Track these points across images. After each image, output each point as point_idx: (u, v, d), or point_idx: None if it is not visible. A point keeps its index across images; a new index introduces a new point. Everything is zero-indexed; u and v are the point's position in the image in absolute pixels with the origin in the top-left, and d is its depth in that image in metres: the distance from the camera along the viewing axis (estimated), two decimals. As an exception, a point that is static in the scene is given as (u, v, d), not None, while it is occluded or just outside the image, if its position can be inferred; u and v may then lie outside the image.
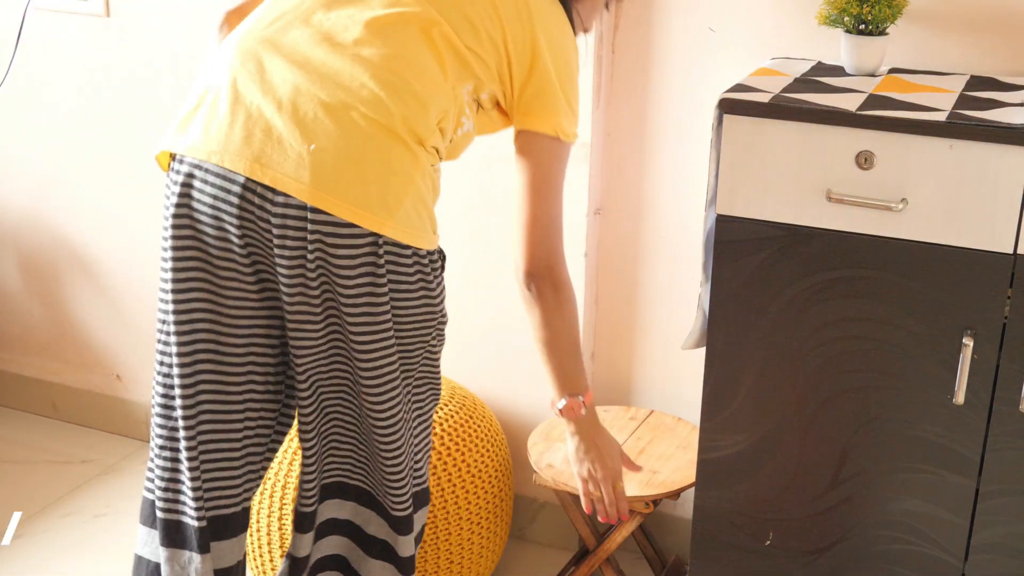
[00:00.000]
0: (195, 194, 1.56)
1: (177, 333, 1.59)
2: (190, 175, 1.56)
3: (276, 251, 1.53)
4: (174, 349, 1.60)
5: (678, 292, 2.29)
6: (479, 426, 2.23)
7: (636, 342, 2.37)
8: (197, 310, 1.59)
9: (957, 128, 1.64)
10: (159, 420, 1.67)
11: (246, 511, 1.71)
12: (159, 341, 1.64)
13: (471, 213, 2.34)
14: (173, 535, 1.68)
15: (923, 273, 1.71)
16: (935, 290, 1.71)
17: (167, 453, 1.66)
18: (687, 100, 2.17)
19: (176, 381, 1.61)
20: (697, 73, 2.15)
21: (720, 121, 1.77)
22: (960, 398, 1.73)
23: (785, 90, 1.80)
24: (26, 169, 2.83)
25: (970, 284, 1.69)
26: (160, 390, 1.65)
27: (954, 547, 1.82)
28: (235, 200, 1.52)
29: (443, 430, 2.16)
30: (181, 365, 1.60)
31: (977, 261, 1.68)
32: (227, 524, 1.68)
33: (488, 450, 2.22)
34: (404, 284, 1.57)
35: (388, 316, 1.57)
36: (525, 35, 1.64)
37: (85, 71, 2.68)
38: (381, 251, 1.53)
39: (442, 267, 1.66)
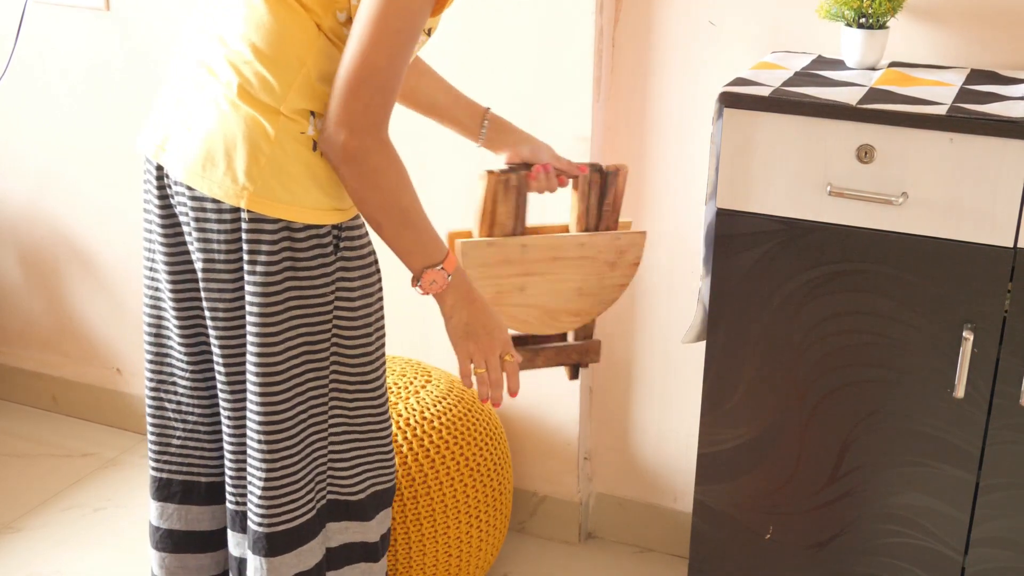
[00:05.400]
0: (146, 186, 1.67)
1: (146, 324, 1.72)
2: (144, 167, 1.68)
3: (184, 229, 1.61)
4: (144, 319, 1.74)
5: (678, 286, 2.29)
6: (477, 419, 2.23)
7: (636, 336, 2.37)
8: (154, 298, 1.70)
9: (957, 122, 1.64)
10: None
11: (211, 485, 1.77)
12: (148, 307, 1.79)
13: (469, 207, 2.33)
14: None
15: (923, 267, 1.71)
16: (935, 284, 1.71)
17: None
18: (687, 94, 2.17)
19: (146, 358, 1.74)
20: (697, 67, 2.15)
21: (720, 115, 1.77)
22: (960, 392, 1.73)
23: (785, 84, 1.80)
24: (26, 163, 2.83)
25: (970, 278, 1.69)
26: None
27: (954, 541, 1.82)
28: (155, 184, 1.62)
29: (441, 423, 2.16)
30: (147, 333, 1.72)
31: (977, 255, 1.68)
32: (200, 491, 1.77)
33: (487, 443, 2.22)
34: (274, 262, 1.54)
35: (267, 298, 1.55)
36: None
37: (85, 65, 2.67)
38: (249, 227, 1.53)
39: (334, 246, 1.56)
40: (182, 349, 1.68)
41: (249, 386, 1.60)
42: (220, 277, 1.57)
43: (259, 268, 1.55)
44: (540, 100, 2.22)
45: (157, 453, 1.76)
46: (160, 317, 1.70)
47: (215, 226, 1.55)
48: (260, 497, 1.63)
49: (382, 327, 1.68)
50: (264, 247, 1.54)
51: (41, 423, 2.97)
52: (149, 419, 1.75)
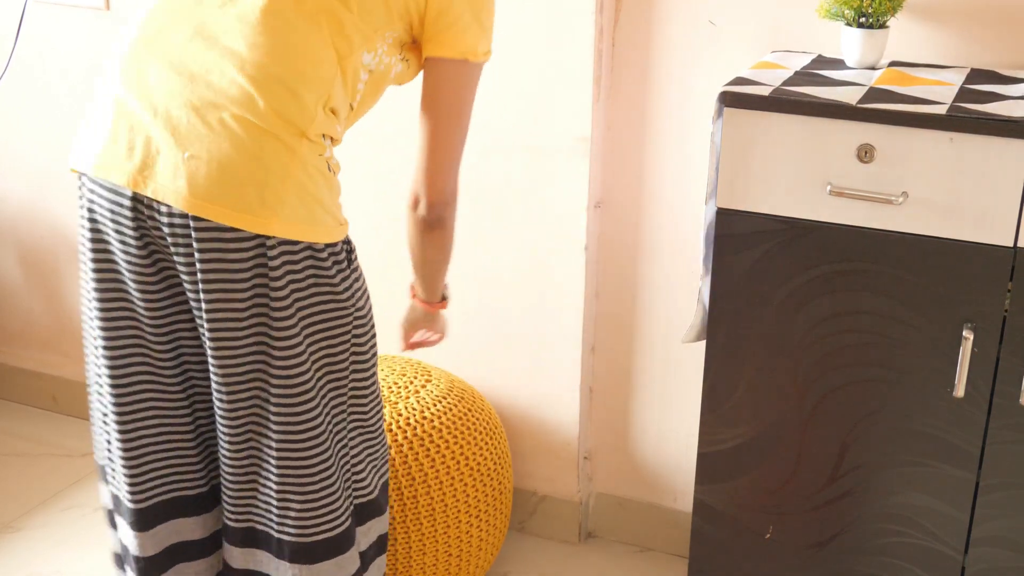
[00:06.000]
0: (98, 210, 1.56)
1: (105, 339, 1.60)
2: (92, 191, 1.56)
3: (176, 260, 1.53)
4: (102, 354, 1.61)
5: (678, 285, 2.29)
6: (477, 419, 2.23)
7: (636, 336, 2.37)
8: (122, 319, 1.60)
9: (957, 121, 1.64)
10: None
11: (216, 487, 1.73)
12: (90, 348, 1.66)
13: (469, 206, 2.34)
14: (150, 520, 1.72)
15: (923, 266, 1.71)
16: (935, 283, 1.71)
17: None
18: (687, 93, 2.17)
19: (107, 384, 1.62)
20: (697, 66, 2.15)
21: (720, 114, 1.77)
22: (960, 391, 1.73)
23: (785, 83, 1.80)
24: (26, 162, 2.83)
25: (970, 277, 1.69)
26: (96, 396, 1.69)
27: (954, 540, 1.82)
28: (128, 214, 1.52)
29: (441, 423, 2.16)
30: (112, 369, 1.61)
31: (977, 254, 1.68)
32: (188, 504, 1.71)
33: (487, 443, 2.22)
34: (298, 284, 1.55)
35: (292, 320, 1.55)
36: None
37: (85, 65, 2.67)
38: (273, 252, 1.50)
39: (347, 259, 1.61)
40: (168, 373, 1.62)
41: (280, 408, 1.58)
42: (235, 307, 1.52)
43: (287, 292, 1.53)
44: (540, 100, 2.22)
45: (137, 484, 1.66)
46: (129, 347, 1.60)
47: (234, 255, 1.49)
48: (300, 510, 1.62)
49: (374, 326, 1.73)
50: (293, 270, 1.53)
51: (41, 423, 2.97)
52: (124, 454, 1.65)
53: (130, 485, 1.67)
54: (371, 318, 1.67)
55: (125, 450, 1.65)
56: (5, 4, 2.70)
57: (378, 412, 1.72)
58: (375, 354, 1.68)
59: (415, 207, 1.72)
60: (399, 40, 1.62)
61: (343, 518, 1.67)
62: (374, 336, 1.67)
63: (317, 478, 1.63)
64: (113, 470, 1.69)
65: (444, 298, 1.92)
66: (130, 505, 1.68)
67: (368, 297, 1.66)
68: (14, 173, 2.85)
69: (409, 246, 1.80)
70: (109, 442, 1.68)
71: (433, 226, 1.72)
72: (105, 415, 1.67)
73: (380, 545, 1.80)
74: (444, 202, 1.70)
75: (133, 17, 1.61)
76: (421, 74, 1.68)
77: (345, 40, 1.54)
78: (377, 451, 1.74)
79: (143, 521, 1.68)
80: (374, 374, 1.69)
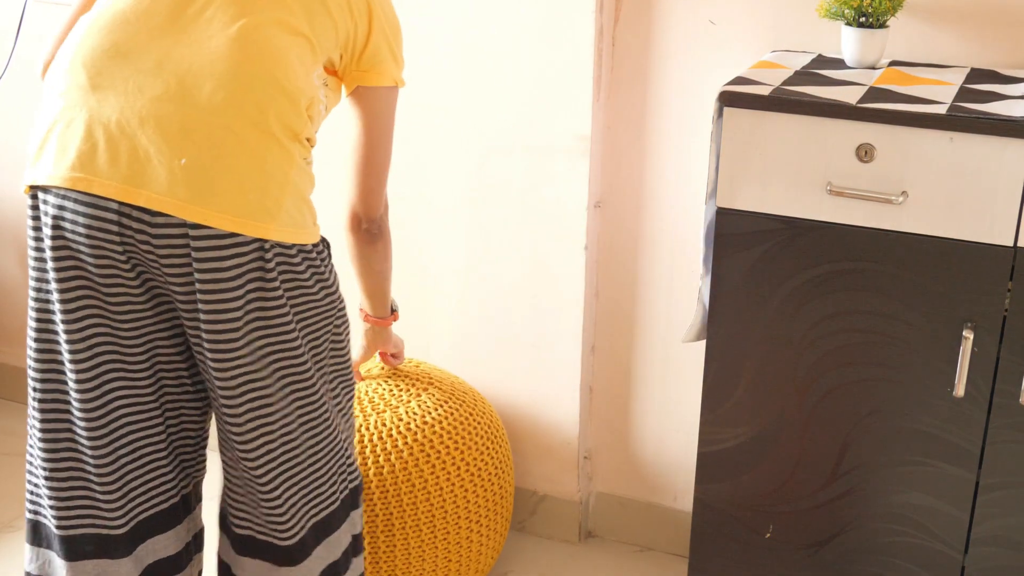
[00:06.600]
0: (68, 225, 1.50)
1: (75, 362, 1.56)
2: (60, 207, 1.50)
3: (165, 271, 1.50)
4: (72, 377, 1.57)
5: (678, 285, 2.29)
6: (478, 420, 2.22)
7: (636, 335, 2.37)
8: (95, 336, 1.56)
9: (957, 121, 1.64)
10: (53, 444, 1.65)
11: (186, 497, 1.73)
12: (37, 372, 1.61)
13: (470, 206, 2.34)
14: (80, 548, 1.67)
15: (923, 266, 1.71)
16: (935, 283, 1.71)
17: (75, 473, 1.64)
18: (687, 93, 2.17)
19: (77, 407, 1.58)
20: (697, 66, 2.15)
21: (720, 114, 1.77)
22: (960, 391, 1.73)
23: (785, 83, 1.80)
24: (26, 162, 2.83)
25: (970, 277, 1.69)
26: (48, 420, 1.63)
27: (954, 540, 1.82)
28: (114, 228, 1.48)
29: (442, 428, 2.16)
30: (84, 391, 1.57)
31: (977, 254, 1.68)
32: (163, 518, 1.69)
33: (488, 447, 2.22)
34: (300, 283, 1.56)
35: (288, 321, 1.55)
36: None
37: (85, 64, 2.67)
38: (269, 255, 1.51)
39: (329, 255, 1.65)
40: (144, 388, 1.61)
41: (293, 405, 1.59)
42: (231, 315, 1.51)
43: (280, 293, 1.53)
44: (540, 99, 2.22)
45: (116, 508, 1.63)
46: (105, 368, 1.57)
47: (230, 261, 1.49)
48: (294, 503, 1.64)
49: None
50: (292, 272, 1.54)
51: (41, 422, 2.97)
52: (100, 479, 1.61)
53: (110, 510, 1.63)
54: (344, 305, 1.72)
55: (102, 475, 1.61)
56: (5, 4, 2.70)
57: (352, 397, 1.76)
58: (349, 339, 1.72)
59: (357, 226, 1.83)
60: (328, 69, 1.67)
61: (331, 500, 1.69)
62: (348, 322, 1.72)
63: (310, 464, 1.64)
64: (85, 506, 1.65)
65: (393, 310, 2.04)
66: (111, 532, 1.64)
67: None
68: (14, 172, 2.85)
69: (356, 267, 1.90)
70: (82, 471, 1.64)
71: (376, 237, 1.85)
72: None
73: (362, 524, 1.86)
74: (383, 213, 1.85)
75: (83, 25, 1.59)
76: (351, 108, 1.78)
77: (311, 57, 1.58)
78: (353, 434, 1.79)
79: (125, 546, 1.65)
80: (349, 360, 1.73)
